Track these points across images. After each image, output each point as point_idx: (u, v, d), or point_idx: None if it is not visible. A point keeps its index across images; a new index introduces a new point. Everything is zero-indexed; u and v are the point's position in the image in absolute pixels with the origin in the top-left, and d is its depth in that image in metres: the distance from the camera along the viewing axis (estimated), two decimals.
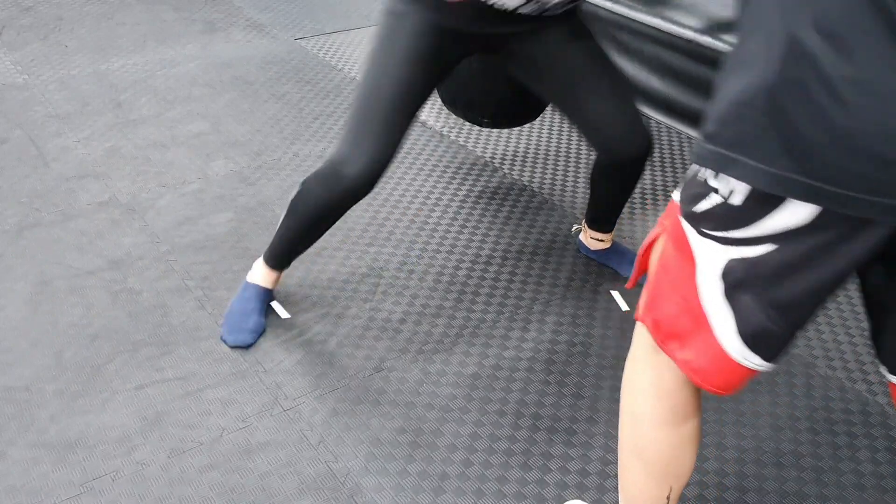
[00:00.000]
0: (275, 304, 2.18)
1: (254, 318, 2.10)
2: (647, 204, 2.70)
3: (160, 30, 3.91)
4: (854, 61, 0.86)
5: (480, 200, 2.70)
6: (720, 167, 0.98)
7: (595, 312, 2.23)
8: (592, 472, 1.78)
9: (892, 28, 0.85)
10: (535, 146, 3.04)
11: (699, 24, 2.95)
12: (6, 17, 3.97)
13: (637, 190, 2.77)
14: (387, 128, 1.86)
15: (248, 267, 2.24)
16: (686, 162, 2.95)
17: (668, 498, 1.32)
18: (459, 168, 2.87)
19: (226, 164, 2.84)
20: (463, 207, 2.65)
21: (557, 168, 2.90)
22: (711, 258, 1.07)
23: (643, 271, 1.26)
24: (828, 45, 0.87)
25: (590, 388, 1.99)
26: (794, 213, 0.96)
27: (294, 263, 2.26)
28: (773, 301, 1.05)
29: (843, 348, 2.13)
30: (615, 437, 1.85)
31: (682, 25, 2.99)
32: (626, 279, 2.34)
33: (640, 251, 1.24)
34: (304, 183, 1.98)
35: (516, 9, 1.77)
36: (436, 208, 2.64)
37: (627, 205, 2.68)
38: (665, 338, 1.17)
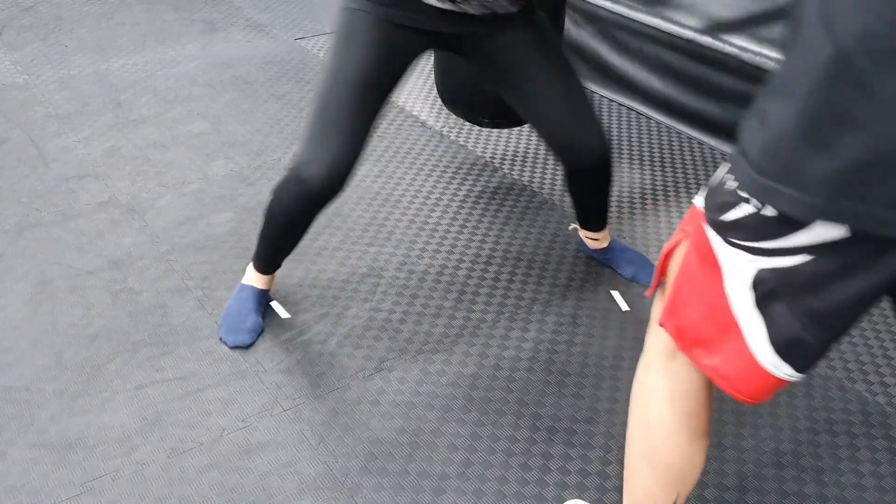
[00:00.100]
0: (275, 304, 2.19)
1: (251, 318, 2.10)
2: (647, 204, 2.70)
3: (160, 30, 3.91)
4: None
5: (480, 200, 2.70)
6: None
7: (595, 312, 2.23)
8: (592, 472, 1.78)
9: None
10: (535, 146, 3.04)
11: (699, 24, 2.95)
12: (6, 17, 3.96)
13: (637, 190, 2.77)
14: (347, 127, 1.82)
15: None
16: (686, 162, 2.95)
17: (674, 503, 1.32)
18: (459, 168, 2.87)
19: (226, 164, 2.84)
20: (463, 207, 2.65)
21: (557, 168, 2.89)
22: (740, 268, 1.05)
23: (663, 277, 1.24)
24: (872, 67, 0.86)
25: (590, 388, 1.99)
26: (833, 228, 0.95)
27: (294, 263, 2.26)
28: (809, 311, 1.03)
29: (843, 348, 2.13)
30: (615, 437, 1.85)
31: (682, 25, 2.99)
32: (624, 278, 2.34)
33: (659, 258, 1.22)
34: (273, 191, 1.97)
35: (454, 8, 1.74)
36: (436, 208, 2.64)
37: (627, 205, 2.69)
38: (689, 344, 1.16)
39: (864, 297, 1.02)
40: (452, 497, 1.72)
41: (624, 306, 2.25)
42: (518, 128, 3.12)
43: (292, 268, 2.32)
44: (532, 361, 2.06)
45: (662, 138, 3.10)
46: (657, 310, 1.26)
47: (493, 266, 2.39)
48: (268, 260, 2.12)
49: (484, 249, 2.46)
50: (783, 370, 1.09)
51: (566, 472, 1.78)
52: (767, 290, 1.04)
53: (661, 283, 1.25)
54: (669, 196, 2.75)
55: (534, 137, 3.09)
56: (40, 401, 1.90)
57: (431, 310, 2.22)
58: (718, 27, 2.89)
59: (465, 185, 2.78)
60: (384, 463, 1.78)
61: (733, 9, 2.84)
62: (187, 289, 2.25)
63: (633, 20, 3.15)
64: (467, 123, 3.13)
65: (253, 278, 2.15)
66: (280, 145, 2.97)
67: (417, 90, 3.40)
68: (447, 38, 1.86)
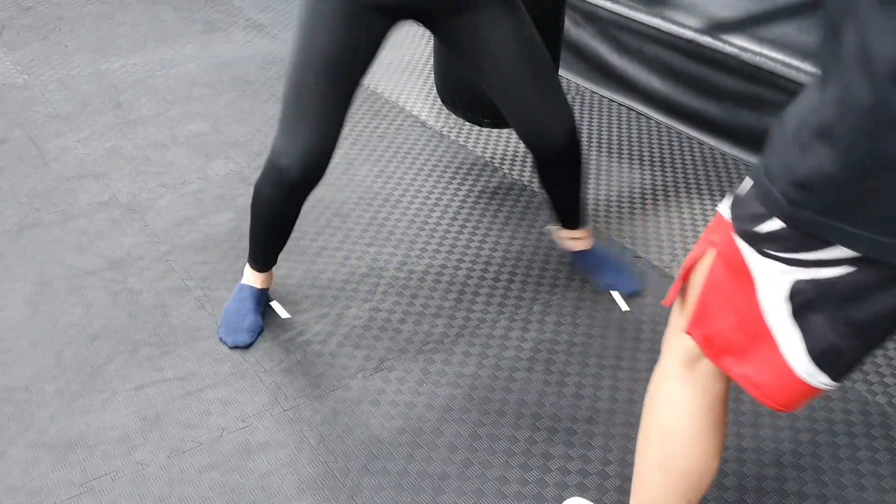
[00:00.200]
0: (275, 304, 2.19)
1: (250, 317, 2.10)
2: (647, 204, 2.70)
3: (160, 30, 3.91)
4: None
5: (480, 200, 2.70)
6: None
7: (595, 312, 2.23)
8: (592, 472, 1.78)
9: None
10: None
11: (699, 24, 2.95)
12: (6, 17, 3.96)
13: (637, 190, 2.77)
14: (319, 114, 1.80)
15: None
16: (686, 162, 2.95)
17: None
18: (459, 168, 2.87)
19: (226, 164, 2.84)
20: (463, 207, 2.66)
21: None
22: (775, 279, 1.04)
23: (683, 287, 1.22)
24: None
25: (590, 388, 1.99)
26: None
27: (294, 263, 2.26)
28: (848, 320, 1.02)
29: None
30: (615, 437, 1.85)
31: (682, 25, 2.99)
32: (598, 287, 2.29)
33: (682, 267, 1.20)
34: (255, 186, 1.97)
35: None
36: (436, 208, 2.64)
37: (627, 205, 2.69)
38: (719, 353, 1.15)
39: None
40: (452, 497, 1.72)
41: (624, 306, 2.25)
42: None
43: (292, 268, 2.32)
44: (532, 361, 2.06)
45: (662, 138, 3.10)
46: (677, 319, 1.24)
47: (493, 266, 2.39)
48: (261, 256, 2.12)
49: (484, 249, 2.46)
50: (819, 379, 1.08)
51: (566, 472, 1.78)
52: (805, 300, 1.03)
53: (680, 292, 1.23)
54: (669, 196, 2.75)
55: None
56: (40, 401, 1.90)
57: (431, 310, 2.22)
58: (718, 27, 2.89)
59: (465, 185, 2.78)
60: (384, 463, 1.78)
61: (733, 9, 2.84)
62: (187, 289, 2.25)
63: (633, 20, 3.15)
64: (467, 123, 3.13)
65: (250, 277, 2.15)
66: None
67: (417, 90, 3.40)
68: (413, 12, 1.83)
